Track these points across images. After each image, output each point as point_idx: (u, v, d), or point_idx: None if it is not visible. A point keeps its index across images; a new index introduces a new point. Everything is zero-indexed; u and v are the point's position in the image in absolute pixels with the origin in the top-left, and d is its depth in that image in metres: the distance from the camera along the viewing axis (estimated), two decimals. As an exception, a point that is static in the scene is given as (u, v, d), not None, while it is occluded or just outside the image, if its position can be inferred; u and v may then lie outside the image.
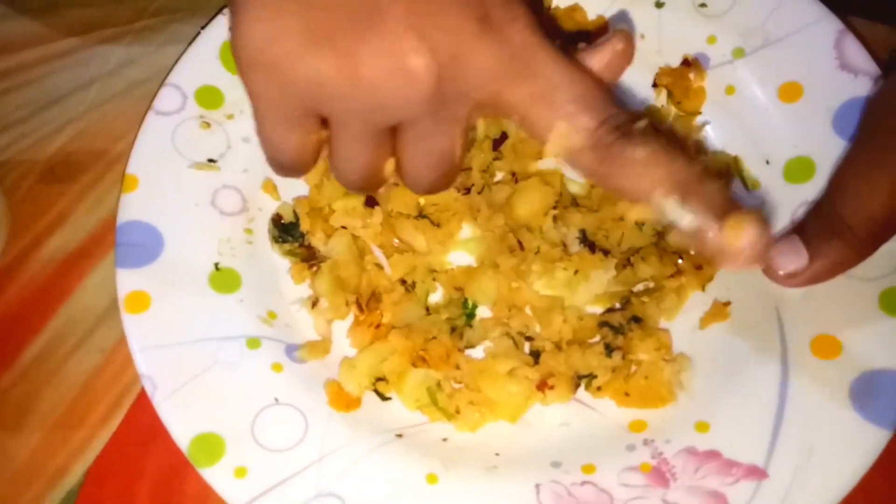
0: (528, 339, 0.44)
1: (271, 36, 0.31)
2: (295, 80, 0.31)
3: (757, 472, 0.38)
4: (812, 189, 0.43)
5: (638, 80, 0.49)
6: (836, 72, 0.44)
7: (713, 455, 0.39)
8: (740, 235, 0.32)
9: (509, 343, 0.43)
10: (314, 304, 0.45)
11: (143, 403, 0.44)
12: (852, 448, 0.37)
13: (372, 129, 0.33)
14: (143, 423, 0.44)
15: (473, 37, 0.32)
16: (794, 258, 0.39)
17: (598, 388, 0.43)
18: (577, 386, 0.43)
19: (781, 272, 0.39)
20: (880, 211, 0.37)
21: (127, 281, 0.43)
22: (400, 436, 0.42)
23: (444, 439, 0.42)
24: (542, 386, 0.42)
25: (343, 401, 0.43)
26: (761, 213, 0.33)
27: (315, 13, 0.31)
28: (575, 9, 0.50)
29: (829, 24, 0.45)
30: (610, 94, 0.34)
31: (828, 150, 0.43)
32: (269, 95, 0.32)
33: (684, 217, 0.32)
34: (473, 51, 0.32)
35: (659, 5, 0.49)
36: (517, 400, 0.42)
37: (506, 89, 0.33)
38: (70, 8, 0.55)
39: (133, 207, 0.44)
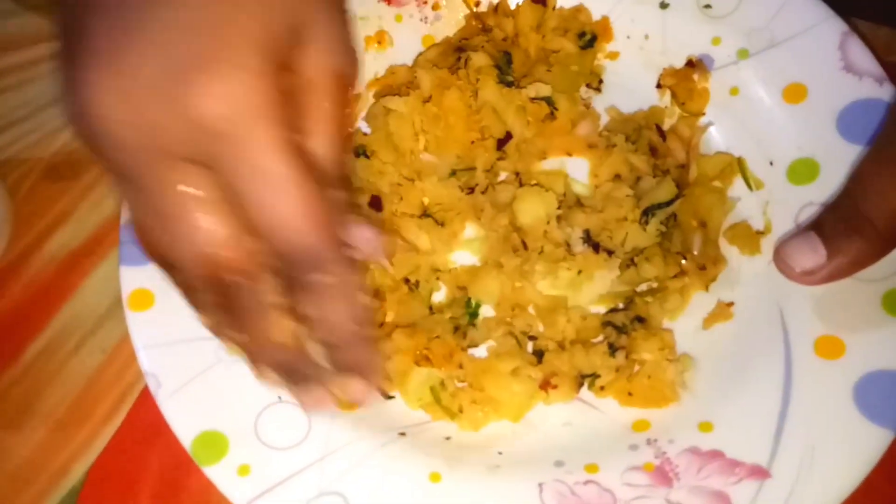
0: (532, 338, 0.44)
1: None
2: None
3: (760, 472, 0.38)
4: (816, 190, 0.43)
5: (642, 81, 0.50)
6: (841, 73, 0.45)
7: (716, 455, 0.39)
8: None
9: (513, 342, 0.43)
10: None
11: (145, 402, 0.44)
12: (855, 448, 0.37)
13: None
14: (145, 422, 0.44)
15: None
16: (811, 255, 0.39)
17: (602, 388, 0.43)
18: (581, 385, 0.43)
19: (798, 269, 0.39)
20: None
21: (131, 279, 0.43)
22: (403, 434, 0.42)
23: (447, 438, 0.42)
24: (546, 385, 0.42)
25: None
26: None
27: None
28: (580, 9, 0.50)
29: (834, 26, 0.45)
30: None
31: (832, 152, 0.43)
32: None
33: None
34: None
35: (664, 6, 0.49)
36: (520, 399, 0.42)
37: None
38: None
39: None
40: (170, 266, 0.32)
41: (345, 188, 0.33)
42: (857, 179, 0.39)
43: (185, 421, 0.40)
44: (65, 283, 0.48)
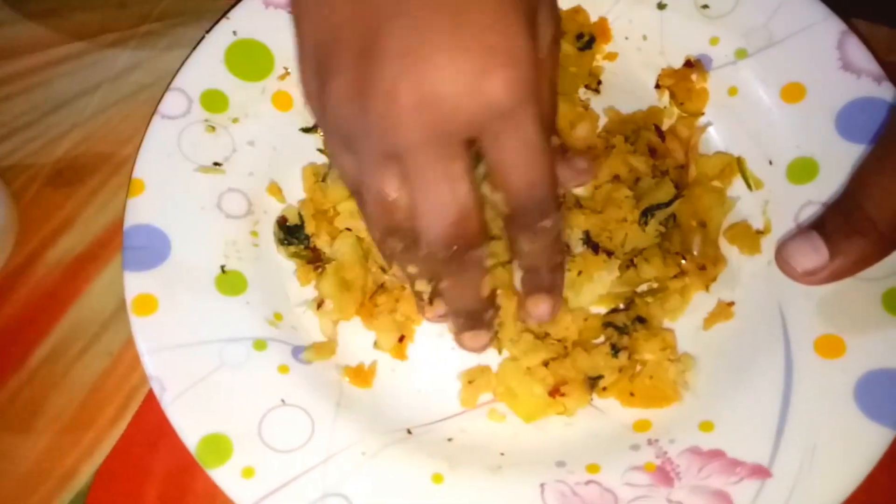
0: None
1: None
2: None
3: (761, 472, 0.38)
4: (815, 190, 0.44)
5: (641, 82, 0.50)
6: (839, 72, 0.45)
7: (717, 454, 0.39)
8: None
9: (530, 338, 0.43)
10: (319, 305, 0.45)
11: (150, 405, 0.45)
12: (856, 447, 0.38)
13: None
14: (150, 425, 0.44)
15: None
16: (813, 255, 0.39)
17: (604, 389, 0.43)
18: (592, 388, 0.43)
19: (800, 269, 0.39)
20: None
21: (134, 284, 0.43)
22: (409, 432, 0.42)
23: (450, 439, 0.42)
24: (555, 392, 0.42)
25: (360, 376, 0.44)
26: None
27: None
28: (577, 10, 0.50)
29: (832, 25, 0.45)
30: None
31: (830, 151, 0.44)
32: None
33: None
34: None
35: (661, 6, 0.49)
36: (536, 401, 0.42)
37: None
38: (75, 12, 0.55)
39: (140, 211, 0.45)
40: (407, 240, 0.38)
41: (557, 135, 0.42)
42: (860, 179, 0.39)
43: (189, 424, 0.41)
44: (70, 288, 0.48)
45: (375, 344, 0.45)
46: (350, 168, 0.38)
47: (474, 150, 0.36)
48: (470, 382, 0.43)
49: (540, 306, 0.40)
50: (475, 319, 0.41)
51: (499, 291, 0.42)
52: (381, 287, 0.46)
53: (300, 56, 0.38)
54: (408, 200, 0.36)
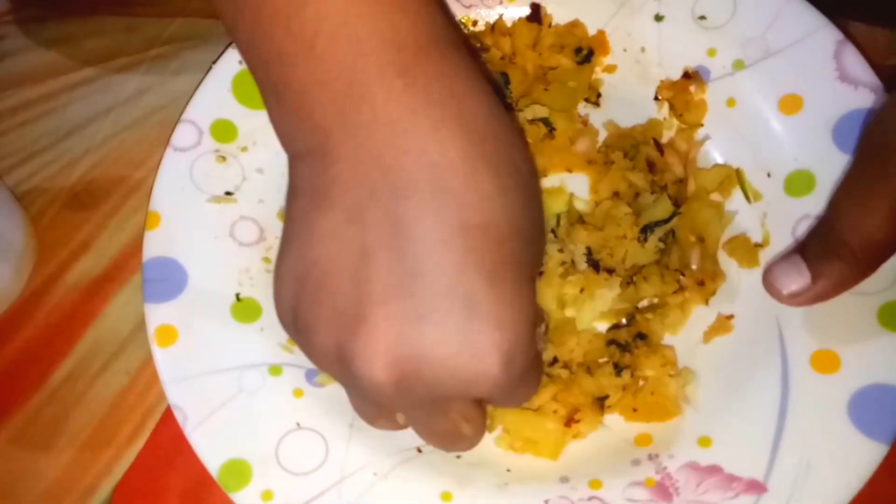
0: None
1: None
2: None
3: (757, 487, 0.39)
4: (812, 202, 0.44)
5: (639, 94, 0.50)
6: (836, 83, 0.45)
7: (714, 470, 0.40)
8: None
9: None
10: None
11: (167, 422, 0.46)
12: (849, 463, 0.38)
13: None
14: (167, 442, 0.46)
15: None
16: (796, 278, 0.40)
17: (608, 406, 0.43)
18: (602, 409, 0.43)
19: (784, 292, 0.40)
20: (879, 233, 0.37)
21: (155, 315, 0.44)
22: (419, 451, 0.43)
23: (458, 457, 0.43)
24: (570, 422, 0.42)
25: None
26: None
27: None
28: (575, 24, 0.50)
29: (829, 35, 0.45)
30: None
31: (828, 164, 0.44)
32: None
33: None
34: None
35: (658, 18, 0.49)
36: (556, 438, 0.43)
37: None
38: (85, 38, 0.56)
39: (157, 244, 0.45)
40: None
41: None
42: (834, 206, 0.40)
43: (211, 450, 0.42)
44: (88, 309, 0.50)
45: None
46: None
47: None
48: None
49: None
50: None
51: None
52: None
53: (280, 272, 0.35)
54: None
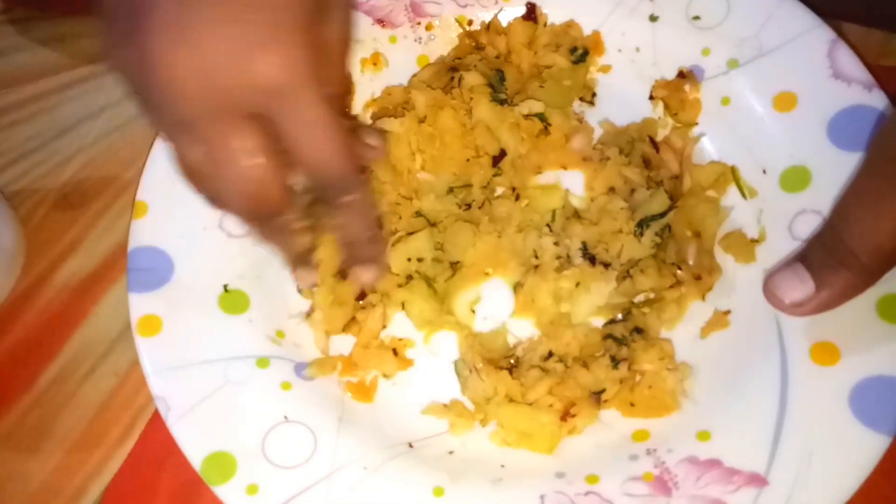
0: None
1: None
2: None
3: (758, 480, 0.38)
4: (808, 198, 0.44)
5: (635, 93, 0.50)
6: (830, 81, 0.45)
7: (714, 463, 0.39)
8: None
9: (535, 373, 0.43)
10: (310, 315, 0.46)
11: (157, 424, 0.45)
12: (852, 454, 0.38)
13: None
14: (157, 443, 0.45)
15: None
16: (799, 287, 0.39)
17: (605, 401, 0.43)
18: (598, 403, 0.43)
19: (787, 301, 0.39)
20: (888, 241, 0.37)
21: (139, 305, 0.44)
22: (410, 446, 0.43)
23: (451, 452, 0.43)
24: (566, 416, 0.42)
25: (361, 390, 0.44)
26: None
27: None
28: (571, 24, 0.51)
29: (822, 34, 0.46)
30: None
31: (823, 159, 0.44)
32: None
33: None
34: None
35: (653, 19, 0.50)
36: (551, 430, 0.42)
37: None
38: (78, 38, 0.56)
39: (143, 233, 0.45)
40: (218, 202, 0.40)
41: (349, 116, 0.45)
42: (841, 212, 0.40)
43: (194, 443, 0.41)
44: (77, 310, 0.49)
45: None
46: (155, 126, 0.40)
47: None
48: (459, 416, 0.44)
49: (364, 275, 0.44)
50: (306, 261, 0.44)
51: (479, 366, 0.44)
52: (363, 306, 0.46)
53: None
54: (208, 169, 0.38)
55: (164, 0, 0.34)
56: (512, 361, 0.44)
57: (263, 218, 0.39)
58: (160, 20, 0.34)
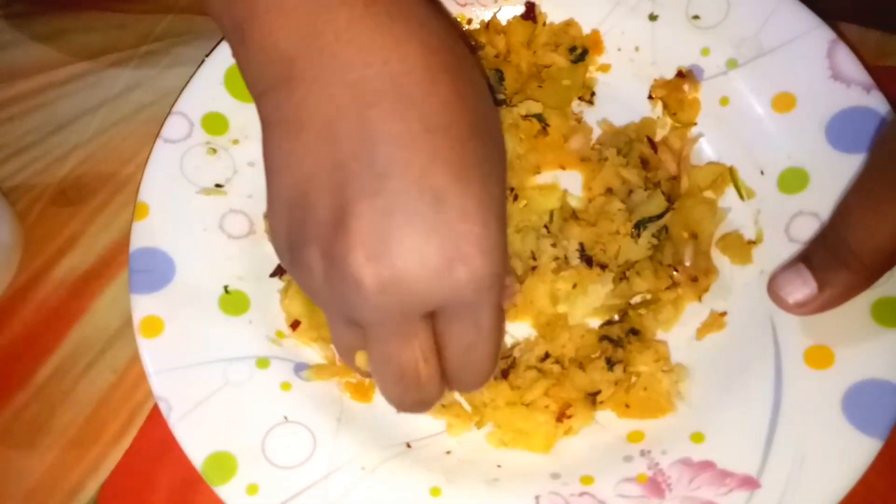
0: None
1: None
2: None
3: (750, 483, 0.38)
4: (806, 200, 0.44)
5: (633, 93, 0.50)
6: (829, 82, 0.45)
7: (707, 465, 0.39)
8: None
9: (532, 374, 0.44)
10: (294, 327, 0.45)
11: (154, 420, 0.46)
12: (843, 458, 0.38)
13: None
14: (155, 440, 0.45)
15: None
16: (802, 287, 0.39)
17: (601, 402, 0.43)
18: (594, 404, 0.43)
19: (791, 301, 0.40)
20: (889, 243, 0.37)
21: (141, 306, 0.44)
22: (408, 446, 0.43)
23: (448, 452, 0.43)
24: (562, 417, 0.42)
25: (360, 390, 0.44)
26: None
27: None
28: (570, 24, 0.50)
29: (822, 35, 0.46)
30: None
31: (821, 161, 0.44)
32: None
33: None
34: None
35: (653, 18, 0.49)
36: (547, 430, 0.42)
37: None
38: (76, 34, 0.56)
39: (145, 234, 0.45)
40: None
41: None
42: (844, 213, 0.40)
43: (195, 443, 0.41)
44: (75, 306, 0.49)
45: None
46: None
47: None
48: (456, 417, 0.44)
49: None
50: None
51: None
52: None
53: (271, 208, 0.37)
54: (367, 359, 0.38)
55: (371, 212, 0.33)
56: (508, 362, 0.44)
57: (410, 406, 0.39)
58: (359, 234, 0.33)
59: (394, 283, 0.33)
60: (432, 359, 0.37)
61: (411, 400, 0.38)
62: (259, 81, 0.36)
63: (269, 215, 0.37)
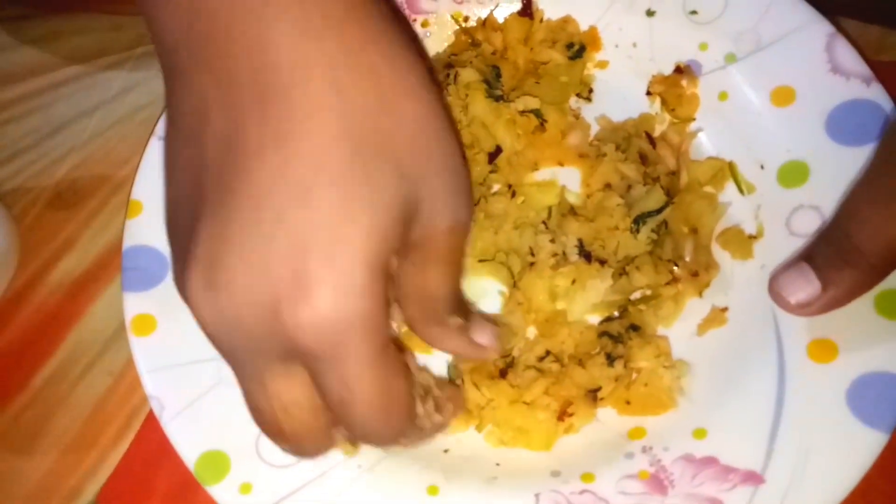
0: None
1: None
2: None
3: (754, 478, 0.38)
4: (806, 194, 0.43)
5: (632, 89, 0.50)
6: (828, 75, 0.45)
7: (710, 461, 0.39)
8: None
9: (531, 373, 0.43)
10: None
11: (152, 423, 0.45)
12: (849, 452, 0.37)
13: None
14: (152, 443, 0.45)
15: None
16: (806, 287, 0.39)
17: (601, 399, 0.43)
18: (595, 401, 0.43)
19: (793, 301, 0.39)
20: None
21: (133, 304, 0.44)
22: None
23: (446, 450, 0.43)
24: (563, 415, 0.42)
25: None
26: None
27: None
28: (567, 20, 0.50)
29: (820, 28, 0.45)
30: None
31: (821, 155, 0.44)
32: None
33: None
34: None
35: (650, 13, 0.49)
36: (548, 428, 0.42)
37: None
38: (71, 36, 0.56)
39: (138, 232, 0.45)
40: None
41: (464, 312, 0.36)
42: (848, 210, 0.39)
43: (187, 442, 0.41)
44: (71, 309, 0.49)
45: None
46: None
47: None
48: None
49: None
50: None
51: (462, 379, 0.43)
52: None
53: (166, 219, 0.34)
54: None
55: (206, 234, 0.29)
56: (507, 361, 0.44)
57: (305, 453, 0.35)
58: (197, 260, 0.29)
59: (225, 320, 0.29)
60: (300, 411, 0.32)
61: (284, 447, 0.34)
62: (163, 67, 0.33)
63: (165, 220, 0.34)
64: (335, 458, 0.41)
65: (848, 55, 0.44)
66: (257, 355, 0.30)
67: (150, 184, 0.46)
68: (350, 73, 0.29)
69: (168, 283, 0.44)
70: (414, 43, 0.32)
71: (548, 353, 0.43)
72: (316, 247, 0.28)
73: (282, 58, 0.29)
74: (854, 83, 0.44)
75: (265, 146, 0.28)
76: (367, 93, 0.29)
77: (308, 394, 0.31)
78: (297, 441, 0.33)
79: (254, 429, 0.40)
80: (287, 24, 0.29)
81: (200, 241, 0.29)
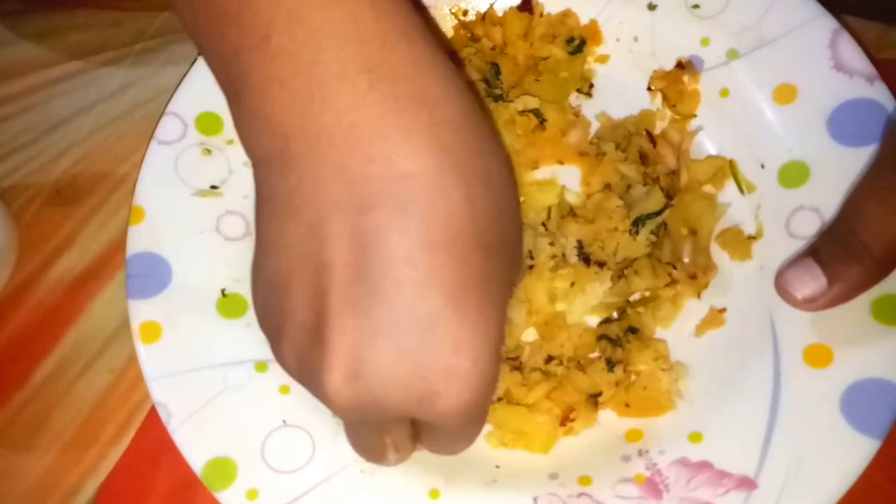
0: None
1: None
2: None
3: (747, 483, 0.38)
4: (806, 194, 0.43)
5: (632, 85, 0.49)
6: (831, 73, 0.44)
7: (705, 466, 0.39)
8: None
9: (536, 376, 0.43)
10: None
11: (152, 421, 0.45)
12: (841, 458, 0.37)
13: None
14: (152, 441, 0.45)
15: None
16: (811, 283, 0.39)
17: (601, 402, 0.43)
18: (596, 405, 0.43)
19: (800, 297, 0.39)
20: None
21: (139, 312, 0.43)
22: None
23: (446, 453, 0.43)
24: (565, 421, 0.42)
25: None
26: None
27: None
28: (567, 14, 0.50)
29: (824, 24, 0.45)
30: None
31: (822, 155, 0.43)
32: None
33: None
34: None
35: (652, 7, 0.48)
36: (548, 431, 0.42)
37: None
38: (70, 32, 0.55)
39: (141, 239, 0.45)
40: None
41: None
42: (854, 206, 0.39)
43: (195, 448, 0.41)
44: (71, 306, 0.49)
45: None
46: None
47: None
48: None
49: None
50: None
51: None
52: None
53: (254, 276, 0.35)
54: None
55: (351, 328, 0.30)
56: (515, 365, 0.44)
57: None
58: (340, 353, 0.31)
59: (369, 405, 0.31)
60: (405, 445, 0.36)
61: (379, 463, 0.38)
62: (254, 148, 0.33)
63: (252, 281, 0.35)
64: (339, 464, 0.41)
65: (852, 52, 0.44)
66: (385, 422, 0.34)
67: (151, 189, 0.46)
68: (479, 189, 0.31)
69: (172, 290, 0.44)
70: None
71: (550, 357, 0.43)
72: (464, 346, 0.31)
73: (412, 168, 0.30)
74: (857, 81, 0.43)
75: (413, 255, 0.30)
76: (490, 204, 0.32)
77: (411, 429, 0.36)
78: (396, 463, 0.37)
79: (259, 435, 0.42)
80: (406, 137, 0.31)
81: (341, 335, 0.30)
